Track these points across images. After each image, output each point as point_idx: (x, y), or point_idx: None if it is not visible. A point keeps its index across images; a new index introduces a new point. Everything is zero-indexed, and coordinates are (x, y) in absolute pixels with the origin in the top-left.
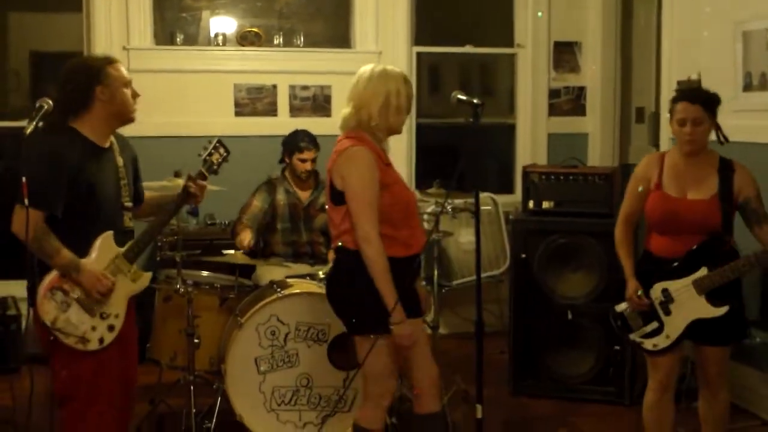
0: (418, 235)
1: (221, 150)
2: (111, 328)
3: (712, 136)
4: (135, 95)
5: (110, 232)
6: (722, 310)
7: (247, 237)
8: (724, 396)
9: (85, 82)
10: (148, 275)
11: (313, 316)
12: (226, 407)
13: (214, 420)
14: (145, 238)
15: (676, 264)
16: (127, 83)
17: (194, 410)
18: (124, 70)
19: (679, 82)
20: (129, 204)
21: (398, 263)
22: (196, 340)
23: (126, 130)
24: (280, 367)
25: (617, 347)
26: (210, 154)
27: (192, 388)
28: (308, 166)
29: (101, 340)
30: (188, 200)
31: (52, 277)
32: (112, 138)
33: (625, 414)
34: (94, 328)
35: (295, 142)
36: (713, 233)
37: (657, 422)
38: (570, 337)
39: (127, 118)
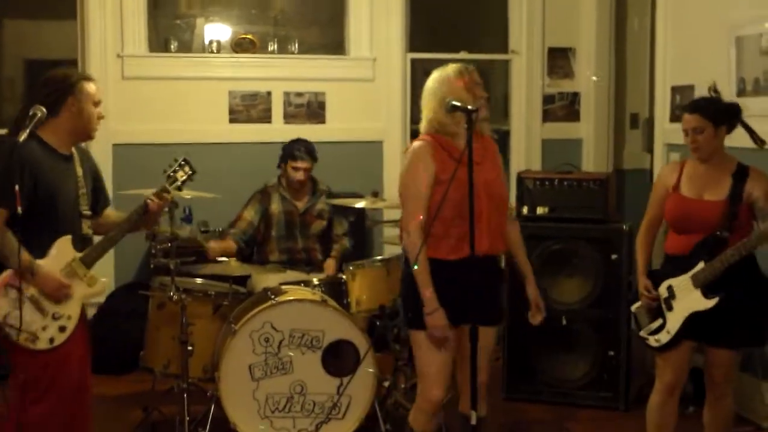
0: (477, 239)
1: (186, 168)
2: (62, 329)
3: (735, 142)
4: (100, 117)
5: (69, 237)
6: (712, 302)
7: (219, 245)
8: (728, 403)
9: (58, 90)
10: (104, 281)
11: (308, 323)
12: (219, 415)
13: (208, 427)
14: (103, 244)
15: (676, 261)
16: (97, 103)
17: (188, 418)
18: (97, 90)
19: (673, 88)
20: (87, 212)
21: (444, 266)
22: (189, 348)
23: (120, 137)
24: (274, 374)
25: (612, 352)
26: (175, 171)
27: (185, 395)
28: (300, 175)
29: (51, 340)
30: (147, 216)
31: (6, 274)
32: (74, 149)
33: (620, 419)
34: (44, 328)
35: (292, 149)
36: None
37: (659, 425)
38: (565, 343)
39: (87, 136)
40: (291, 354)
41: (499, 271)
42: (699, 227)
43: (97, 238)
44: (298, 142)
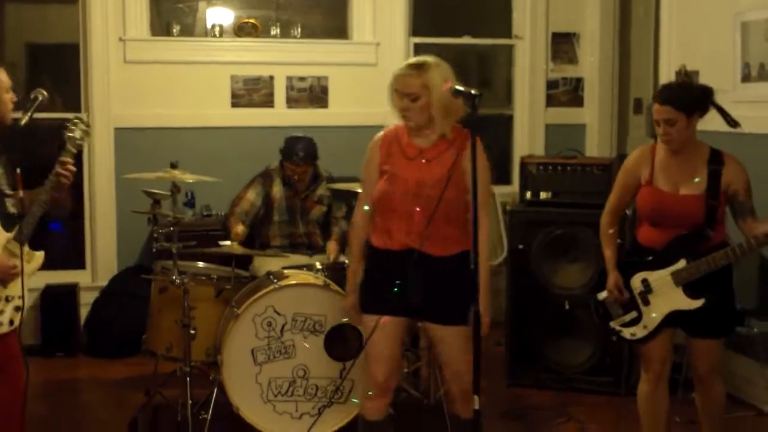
0: (396, 234)
1: (81, 125)
2: (18, 309)
3: (709, 126)
4: (12, 100)
5: None
6: (698, 303)
7: (240, 229)
8: (718, 388)
9: None
10: (41, 254)
11: (310, 307)
12: (222, 398)
13: (210, 411)
14: (29, 220)
15: (653, 257)
16: (8, 89)
17: (190, 401)
18: (5, 75)
19: (676, 73)
20: (9, 192)
21: (380, 253)
22: (192, 332)
23: (122, 122)
24: (277, 359)
25: (614, 338)
26: (72, 132)
27: (188, 379)
28: (296, 177)
29: (11, 322)
30: (60, 185)
31: None
32: None
33: (622, 404)
34: (2, 312)
35: (290, 153)
36: (698, 226)
37: (652, 412)
38: (567, 328)
39: (4, 124)
40: (293, 338)
41: (453, 271)
42: (676, 222)
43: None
44: (300, 142)
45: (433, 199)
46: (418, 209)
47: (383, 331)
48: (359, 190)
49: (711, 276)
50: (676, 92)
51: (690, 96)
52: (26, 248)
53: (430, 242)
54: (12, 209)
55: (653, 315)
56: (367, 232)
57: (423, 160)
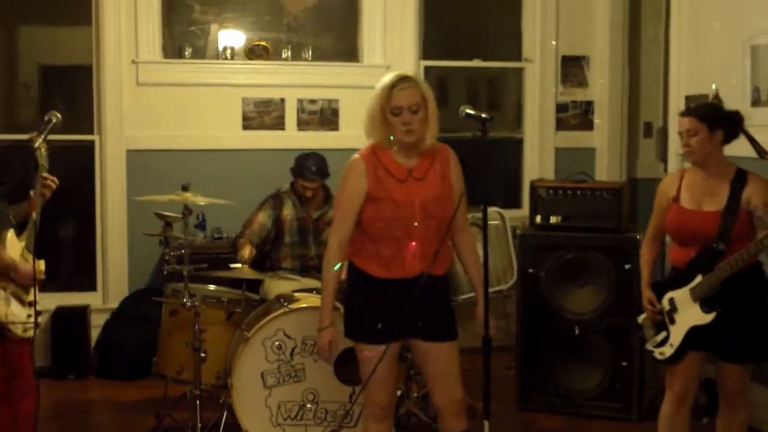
0: (408, 261)
1: (43, 145)
2: (39, 313)
3: (737, 151)
4: None
5: (12, 229)
6: (710, 316)
7: (247, 251)
8: (742, 415)
9: None
10: (42, 262)
11: None
12: (232, 422)
13: None
14: (32, 228)
15: (678, 275)
16: None
17: (200, 424)
18: None
19: (687, 98)
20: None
21: (377, 283)
22: (202, 354)
23: (134, 143)
24: (287, 382)
25: (625, 363)
26: (40, 153)
27: (198, 402)
28: (309, 193)
29: (37, 325)
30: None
31: None
32: None
33: (633, 429)
34: (29, 316)
35: (302, 169)
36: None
37: None
38: (577, 353)
39: None
40: (303, 361)
41: (444, 288)
42: (697, 239)
43: None
44: (310, 158)
45: (436, 218)
46: (422, 233)
47: (387, 359)
48: None
49: (745, 296)
50: (701, 106)
51: (714, 112)
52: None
53: (436, 263)
54: (13, 221)
55: (677, 332)
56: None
57: (415, 180)
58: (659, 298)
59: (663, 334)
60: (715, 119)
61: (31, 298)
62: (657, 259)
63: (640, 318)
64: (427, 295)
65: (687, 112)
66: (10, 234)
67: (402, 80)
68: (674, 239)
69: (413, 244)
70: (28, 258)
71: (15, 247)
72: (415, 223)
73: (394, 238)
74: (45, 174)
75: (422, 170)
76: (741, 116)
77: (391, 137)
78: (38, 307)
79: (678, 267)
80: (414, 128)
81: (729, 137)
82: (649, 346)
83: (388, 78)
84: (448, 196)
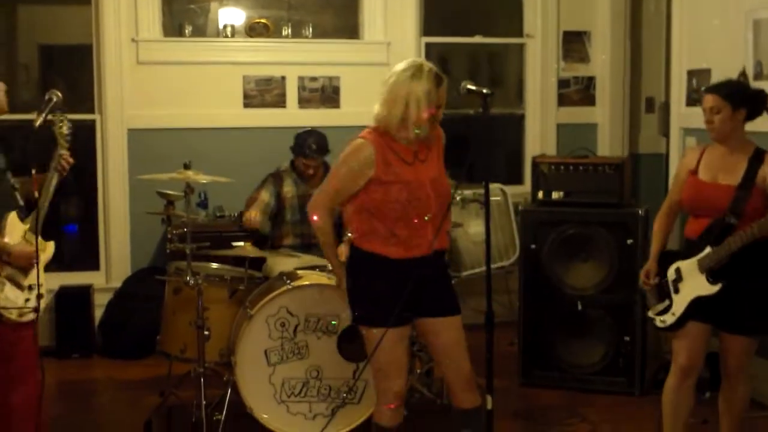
0: (424, 238)
1: (66, 122)
2: (40, 296)
3: (758, 127)
4: (3, 89)
5: (14, 212)
6: (715, 287)
7: (253, 212)
8: (743, 390)
9: None
10: (52, 244)
11: (323, 308)
12: (236, 399)
13: (225, 412)
14: (42, 211)
15: (688, 246)
16: None
17: (204, 402)
18: None
19: (689, 72)
20: (17, 185)
21: (396, 264)
22: (206, 333)
23: (135, 122)
24: (290, 359)
25: (627, 338)
26: (60, 128)
27: (202, 380)
28: (311, 171)
29: (36, 309)
30: (62, 172)
31: None
32: None
33: (635, 404)
34: (27, 300)
35: (302, 147)
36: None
37: (674, 407)
38: (580, 328)
39: (2, 110)
40: (307, 339)
41: (444, 263)
42: (710, 211)
43: None
44: (311, 135)
45: (442, 196)
46: (435, 211)
47: (402, 343)
48: None
49: (753, 271)
50: (726, 84)
51: (739, 90)
52: (39, 238)
53: (439, 239)
54: (20, 201)
55: (681, 301)
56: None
57: (420, 162)
58: (667, 267)
59: (666, 303)
60: (739, 98)
61: (31, 281)
62: (670, 232)
63: (642, 284)
64: (433, 273)
65: (711, 89)
66: (12, 216)
67: (440, 79)
68: (689, 211)
69: (430, 222)
70: (32, 240)
71: (16, 228)
72: (431, 202)
73: (409, 218)
74: (63, 152)
75: (424, 152)
76: (766, 95)
77: (417, 130)
78: (42, 290)
79: (690, 239)
80: (434, 121)
81: (752, 115)
82: (650, 314)
83: (428, 69)
84: (444, 173)
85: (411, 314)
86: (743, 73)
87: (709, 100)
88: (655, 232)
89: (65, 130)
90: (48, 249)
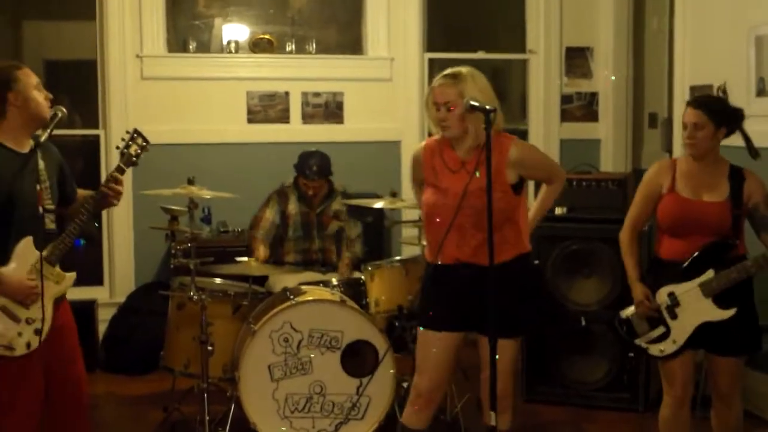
0: (445, 247)
1: (139, 140)
2: (37, 332)
3: (728, 143)
4: (47, 98)
5: (29, 238)
6: (729, 312)
7: (262, 252)
8: (737, 409)
9: None
10: (72, 276)
11: (327, 323)
12: (239, 415)
13: (228, 427)
14: (65, 240)
15: (677, 268)
16: (37, 86)
17: (208, 418)
18: (32, 73)
19: (692, 88)
20: (51, 206)
21: (428, 267)
22: (209, 348)
23: None
24: (294, 375)
25: (631, 354)
26: (127, 146)
27: (205, 395)
28: (311, 191)
29: (28, 345)
30: (104, 200)
31: None
32: (32, 142)
33: (639, 421)
34: (20, 334)
35: (303, 168)
36: (723, 236)
37: None
38: (583, 344)
39: (41, 120)
40: (310, 354)
41: (510, 282)
42: (699, 229)
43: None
44: (313, 157)
45: (475, 208)
46: (461, 222)
47: (435, 345)
48: (375, 206)
49: (733, 291)
50: (710, 100)
51: (723, 109)
52: (57, 269)
53: (481, 252)
54: (51, 226)
55: (683, 328)
56: None
57: (465, 172)
58: (652, 292)
59: (660, 330)
60: (723, 116)
61: (30, 314)
62: (638, 250)
63: (626, 313)
64: (477, 287)
65: (696, 104)
66: (24, 242)
67: (444, 76)
68: (668, 230)
69: (450, 231)
70: (47, 272)
71: (27, 256)
72: (450, 212)
73: (436, 224)
74: (117, 174)
75: (475, 162)
76: (743, 115)
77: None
78: (45, 325)
79: (671, 260)
80: (448, 125)
81: (729, 133)
82: (641, 342)
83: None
84: (497, 188)
85: (462, 325)
86: (723, 90)
87: (694, 115)
88: (628, 251)
89: (134, 150)
90: (65, 281)
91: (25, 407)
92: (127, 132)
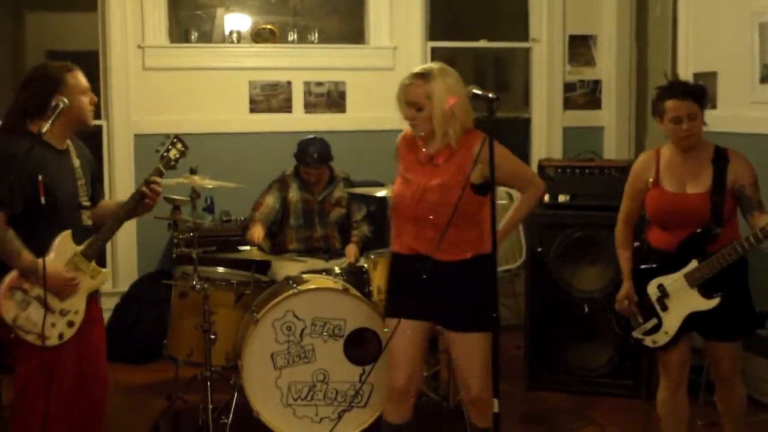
0: (402, 239)
1: (179, 145)
2: (71, 324)
3: (721, 127)
4: (92, 102)
5: (68, 232)
6: (714, 302)
7: (257, 231)
8: (739, 390)
9: (44, 90)
10: (107, 272)
11: (329, 312)
12: (242, 403)
13: (231, 416)
14: (101, 236)
15: (665, 259)
16: (85, 91)
17: (211, 406)
18: (82, 77)
19: (695, 75)
20: (87, 203)
21: (393, 257)
22: (212, 336)
23: (142, 128)
24: (297, 363)
25: (632, 341)
26: (167, 150)
27: (209, 384)
28: (312, 178)
29: (61, 336)
30: (142, 203)
31: (11, 276)
32: (69, 141)
33: (642, 407)
34: (53, 325)
35: (304, 156)
36: (706, 225)
37: (673, 419)
38: (586, 331)
39: (84, 124)
40: (313, 342)
41: (464, 276)
42: (684, 222)
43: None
44: (312, 144)
45: (437, 204)
46: (428, 216)
47: (402, 336)
48: (378, 194)
49: (726, 277)
50: (693, 88)
51: (702, 91)
52: (93, 264)
53: (441, 249)
54: (87, 222)
55: (673, 319)
56: None
57: (432, 167)
58: (644, 284)
59: (653, 322)
60: (705, 100)
61: (68, 306)
62: (633, 247)
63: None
64: (440, 282)
65: (684, 95)
66: (63, 236)
67: (413, 76)
68: (656, 223)
69: (411, 225)
70: (81, 265)
71: (65, 250)
72: (411, 205)
73: (401, 215)
74: (155, 177)
75: (443, 157)
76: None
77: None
78: (77, 318)
79: (660, 249)
80: (416, 124)
81: None
82: (637, 335)
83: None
84: (456, 184)
85: (424, 314)
86: (673, 72)
87: (686, 107)
88: (620, 250)
89: (173, 154)
90: (100, 276)
91: (58, 400)
92: (167, 137)
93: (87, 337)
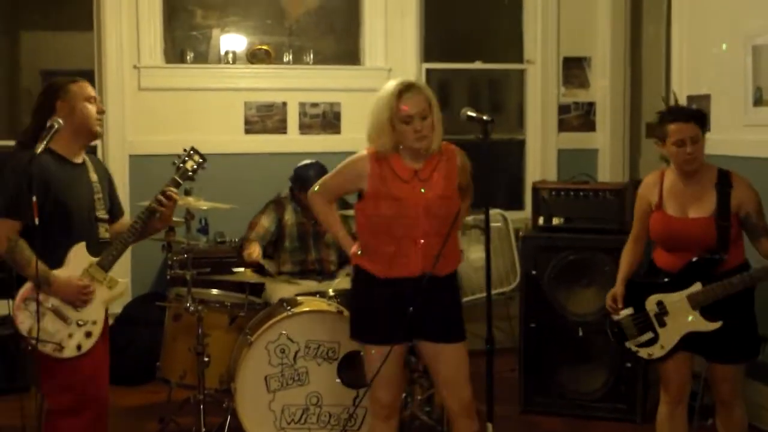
0: (411, 260)
1: (196, 157)
2: (89, 334)
3: (718, 151)
4: (100, 111)
5: (83, 243)
6: (715, 325)
7: (255, 250)
8: (739, 414)
9: (47, 99)
10: (125, 282)
11: (323, 334)
12: (235, 426)
13: None
14: (117, 246)
15: (668, 279)
16: (89, 98)
17: (204, 429)
18: (88, 87)
19: (689, 98)
20: (104, 216)
21: (379, 282)
22: (205, 359)
23: (137, 148)
24: (290, 386)
25: (629, 364)
26: (184, 162)
27: (202, 406)
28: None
29: (79, 347)
30: (155, 213)
31: (26, 287)
32: (86, 156)
33: (637, 431)
34: (71, 336)
35: (303, 181)
36: (711, 250)
37: None
38: (581, 354)
39: (91, 133)
40: (307, 365)
41: (450, 288)
42: (687, 245)
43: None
44: (311, 168)
45: (439, 217)
46: (427, 232)
47: (389, 358)
48: None
49: (731, 299)
50: (693, 111)
51: (704, 115)
52: (109, 275)
53: (440, 263)
54: (105, 234)
55: (670, 335)
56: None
57: (418, 181)
58: (642, 298)
59: (649, 335)
60: (705, 122)
61: (83, 317)
62: (639, 261)
63: (621, 315)
64: (432, 296)
65: (686, 118)
66: (77, 247)
67: (408, 88)
68: (660, 245)
69: (421, 242)
70: (97, 276)
71: (80, 261)
72: (420, 223)
73: (395, 236)
74: (171, 188)
75: (428, 171)
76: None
77: (401, 146)
78: (95, 328)
79: (663, 269)
80: (425, 134)
81: None
82: (631, 345)
83: (392, 86)
84: (453, 195)
85: (406, 335)
86: (675, 96)
87: (689, 129)
88: (624, 260)
89: (190, 165)
90: (117, 287)
91: (84, 412)
92: (184, 150)
93: (102, 354)
